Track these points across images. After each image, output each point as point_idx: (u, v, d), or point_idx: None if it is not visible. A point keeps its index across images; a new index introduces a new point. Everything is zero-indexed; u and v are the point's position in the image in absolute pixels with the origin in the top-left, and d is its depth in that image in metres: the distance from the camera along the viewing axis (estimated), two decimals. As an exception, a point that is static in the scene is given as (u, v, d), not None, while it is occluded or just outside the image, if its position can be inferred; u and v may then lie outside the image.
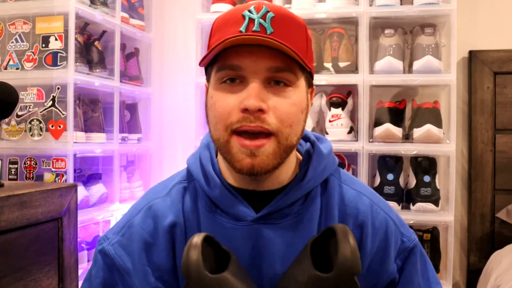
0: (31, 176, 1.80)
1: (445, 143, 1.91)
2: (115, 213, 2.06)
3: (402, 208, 1.95)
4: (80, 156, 1.94)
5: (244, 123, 0.72)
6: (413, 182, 1.96)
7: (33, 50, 1.82)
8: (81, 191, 1.85)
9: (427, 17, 1.98)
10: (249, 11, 0.74)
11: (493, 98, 2.12)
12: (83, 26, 1.95)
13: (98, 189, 1.98)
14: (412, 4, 1.96)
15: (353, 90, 2.03)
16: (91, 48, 1.98)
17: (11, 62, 1.84)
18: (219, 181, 0.81)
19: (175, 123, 2.41)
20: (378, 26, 2.03)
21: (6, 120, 1.80)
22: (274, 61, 0.73)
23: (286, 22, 0.75)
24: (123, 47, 2.20)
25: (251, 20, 0.73)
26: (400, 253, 0.85)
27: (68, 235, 1.33)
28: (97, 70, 1.97)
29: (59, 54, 1.79)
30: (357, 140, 1.97)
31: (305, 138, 0.88)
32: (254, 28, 0.73)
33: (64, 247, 1.31)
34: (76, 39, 1.83)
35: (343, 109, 1.99)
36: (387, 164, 1.99)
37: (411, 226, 1.97)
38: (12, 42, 1.84)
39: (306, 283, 0.70)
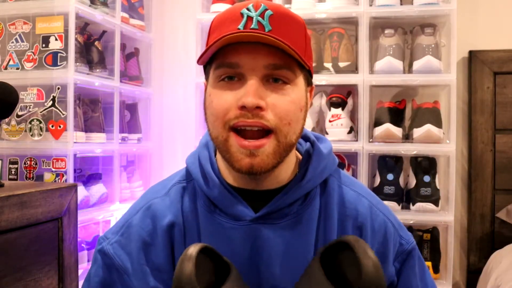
0: (31, 176, 1.80)
1: (445, 143, 1.91)
2: (115, 213, 2.06)
3: (402, 208, 1.95)
4: (80, 156, 1.94)
5: (241, 119, 0.72)
6: (413, 182, 1.96)
7: (33, 50, 1.82)
8: (81, 191, 1.85)
9: (427, 17, 1.98)
10: (248, 9, 0.74)
11: (493, 98, 2.12)
12: (83, 26, 1.95)
13: (98, 189, 1.98)
14: (412, 4, 1.96)
15: (353, 90, 2.03)
16: (91, 48, 1.98)
17: (11, 62, 1.84)
18: (217, 180, 0.80)
19: (175, 123, 2.41)
20: (378, 26, 2.03)
21: (6, 120, 1.80)
22: (272, 59, 0.73)
23: (284, 20, 0.74)
24: (123, 47, 2.20)
25: (249, 18, 0.73)
26: (398, 256, 0.85)
27: (68, 235, 1.33)
28: (97, 70, 1.97)
29: (59, 54, 1.79)
30: (357, 140, 1.97)
31: (305, 138, 0.88)
32: (252, 26, 0.73)
33: (64, 247, 1.31)
34: (76, 39, 1.83)
35: (343, 109, 1.99)
36: (387, 164, 1.99)
37: (411, 226, 1.99)
38: (12, 42, 1.84)
39: None
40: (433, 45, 1.92)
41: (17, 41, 1.84)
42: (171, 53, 2.44)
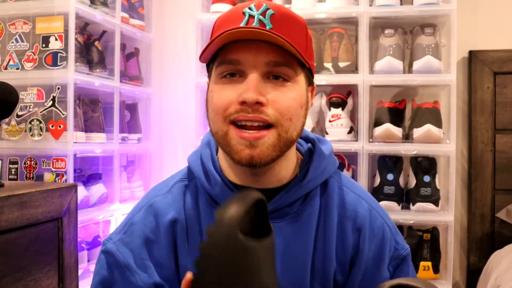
0: (31, 176, 1.80)
1: (445, 143, 1.91)
2: (115, 213, 2.06)
3: (402, 208, 1.95)
4: (80, 156, 1.94)
5: (242, 114, 0.73)
6: (413, 182, 1.96)
7: (33, 50, 1.82)
8: (81, 191, 1.85)
9: (427, 17, 1.98)
10: (249, 8, 0.75)
11: (493, 98, 2.12)
12: (83, 26, 1.95)
13: (98, 189, 1.98)
14: (412, 4, 1.96)
15: (353, 90, 2.03)
16: (91, 48, 1.98)
17: (11, 62, 1.84)
18: (219, 178, 0.81)
19: (175, 123, 2.41)
20: (378, 26, 2.03)
21: (6, 120, 1.80)
22: (273, 56, 0.74)
23: (285, 19, 0.75)
24: (123, 47, 2.20)
25: (251, 17, 0.74)
26: (393, 260, 0.86)
27: (68, 235, 1.33)
28: (97, 70, 1.97)
29: (59, 54, 1.79)
30: (357, 140, 1.97)
31: (306, 138, 0.89)
32: (253, 24, 0.74)
33: (64, 247, 1.31)
34: (76, 39, 1.83)
35: (343, 109, 1.99)
36: (387, 164, 1.99)
37: (411, 226, 1.99)
38: (12, 42, 1.84)
39: None
40: (433, 45, 1.91)
41: (17, 41, 1.84)
42: (171, 53, 2.44)
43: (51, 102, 1.79)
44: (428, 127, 1.88)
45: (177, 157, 2.39)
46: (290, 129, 0.75)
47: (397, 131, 1.94)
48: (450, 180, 1.90)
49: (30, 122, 1.79)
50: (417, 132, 1.90)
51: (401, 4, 1.99)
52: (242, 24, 0.74)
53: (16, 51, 1.84)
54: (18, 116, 1.81)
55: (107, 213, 2.02)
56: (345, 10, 1.99)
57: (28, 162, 1.80)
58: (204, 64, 0.85)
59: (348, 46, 2.02)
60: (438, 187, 1.94)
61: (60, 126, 1.77)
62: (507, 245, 1.94)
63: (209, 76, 0.82)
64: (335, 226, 0.82)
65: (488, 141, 2.12)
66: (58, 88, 1.79)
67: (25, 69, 1.82)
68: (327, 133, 2.01)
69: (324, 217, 0.82)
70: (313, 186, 0.82)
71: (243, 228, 0.61)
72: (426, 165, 1.95)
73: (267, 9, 0.75)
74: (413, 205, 1.91)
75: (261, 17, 0.74)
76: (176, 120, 2.41)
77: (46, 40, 1.81)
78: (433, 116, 1.91)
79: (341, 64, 2.00)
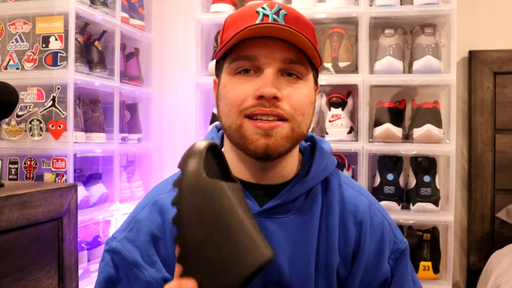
0: (31, 176, 1.80)
1: (445, 143, 1.91)
2: (115, 213, 2.06)
3: (402, 208, 1.95)
4: (80, 156, 1.94)
5: (258, 107, 0.75)
6: (413, 182, 1.96)
7: (33, 50, 1.82)
8: (81, 191, 1.85)
9: (427, 17, 1.98)
10: (263, 8, 0.77)
11: (493, 98, 2.12)
12: (83, 26, 1.95)
13: (98, 189, 1.98)
14: (412, 4, 1.96)
15: (353, 90, 2.03)
16: (91, 48, 1.98)
17: (11, 62, 1.84)
18: None
19: (175, 123, 2.41)
20: (378, 26, 2.03)
21: (6, 120, 1.80)
22: (287, 53, 0.77)
23: (297, 20, 0.78)
24: (123, 47, 2.20)
25: (265, 16, 0.77)
26: (392, 254, 0.88)
27: (68, 235, 1.33)
28: (97, 70, 1.97)
29: (59, 54, 1.79)
30: (357, 140, 1.97)
31: (306, 138, 0.91)
32: (269, 21, 0.76)
33: (64, 247, 1.31)
34: (76, 39, 1.83)
35: (343, 109, 1.99)
36: (387, 164, 1.99)
37: (411, 226, 1.99)
38: (12, 42, 1.84)
39: None
40: (433, 45, 1.92)
41: (17, 41, 1.84)
42: (171, 53, 2.44)
43: (51, 102, 1.79)
44: (428, 127, 1.88)
45: (177, 157, 2.36)
46: (302, 124, 0.78)
47: (397, 131, 1.94)
48: (450, 180, 1.90)
49: (30, 122, 1.79)
50: (417, 132, 1.90)
51: (401, 4, 1.99)
52: (257, 21, 0.76)
53: (16, 51, 1.84)
54: (18, 116, 1.81)
55: (107, 213, 2.02)
56: (345, 10, 1.99)
57: (28, 162, 1.80)
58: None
59: (348, 46, 2.02)
60: (438, 187, 1.94)
61: (60, 126, 1.78)
62: (507, 245, 1.94)
63: (218, 73, 0.83)
64: (337, 221, 0.84)
65: (488, 141, 2.12)
66: (58, 88, 1.79)
67: (25, 69, 1.82)
68: (327, 133, 2.01)
69: (326, 212, 0.84)
70: (316, 182, 0.84)
71: (207, 172, 0.63)
72: (426, 165, 1.95)
73: (280, 9, 0.77)
74: (413, 205, 1.91)
75: (275, 16, 0.76)
76: (176, 120, 2.41)
77: (46, 40, 1.81)
78: (433, 116, 1.91)
79: (341, 64, 2.00)
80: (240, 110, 0.76)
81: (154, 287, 0.80)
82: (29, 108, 1.80)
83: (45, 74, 1.79)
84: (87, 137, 1.92)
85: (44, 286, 1.24)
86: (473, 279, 2.04)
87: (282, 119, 0.76)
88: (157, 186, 0.91)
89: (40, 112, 1.79)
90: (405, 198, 1.99)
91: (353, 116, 2.05)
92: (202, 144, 0.66)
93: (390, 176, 1.97)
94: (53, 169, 1.77)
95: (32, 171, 1.80)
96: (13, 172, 1.81)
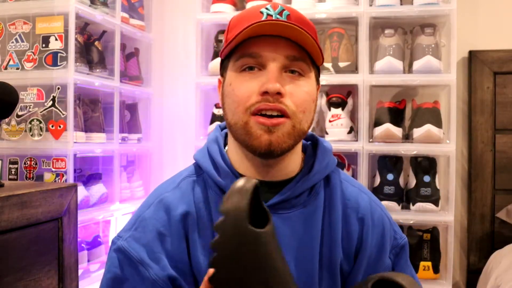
0: (31, 176, 1.80)
1: (445, 143, 1.91)
2: (115, 213, 2.06)
3: (402, 208, 1.95)
4: (80, 156, 1.94)
5: (263, 103, 0.77)
6: (413, 182, 1.96)
7: (33, 50, 1.82)
8: (81, 191, 1.85)
9: (427, 17, 1.98)
10: (267, 8, 0.80)
11: (493, 98, 2.12)
12: (83, 26, 1.95)
13: (98, 189, 1.98)
14: (412, 4, 1.96)
15: (353, 90, 2.03)
16: (91, 48, 1.98)
17: (11, 62, 1.84)
18: (229, 170, 0.84)
19: (175, 123, 2.41)
20: (378, 26, 2.03)
21: (6, 120, 1.80)
22: (291, 51, 0.79)
23: (300, 20, 0.81)
24: (123, 47, 2.20)
25: (269, 15, 0.79)
26: (393, 249, 0.90)
27: (68, 235, 1.33)
28: (97, 70, 1.97)
29: (59, 54, 1.79)
30: (357, 140, 1.97)
31: (307, 137, 0.93)
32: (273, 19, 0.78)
33: (64, 247, 1.31)
34: (76, 39, 1.83)
35: (343, 109, 1.99)
36: (387, 164, 1.99)
37: (411, 226, 1.99)
38: (12, 42, 1.84)
39: None
40: (433, 45, 1.92)
41: (17, 41, 1.84)
42: (171, 53, 2.44)
43: (51, 102, 1.79)
44: (428, 127, 1.88)
45: (177, 157, 2.39)
46: (302, 121, 0.80)
47: (397, 131, 1.94)
48: (450, 180, 1.90)
49: (30, 122, 1.79)
50: (417, 132, 1.90)
51: (401, 4, 1.99)
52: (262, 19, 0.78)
53: (16, 51, 1.84)
54: (18, 116, 1.81)
55: (107, 213, 2.02)
56: (345, 10, 1.99)
57: (28, 162, 1.80)
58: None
59: (348, 46, 2.02)
60: (438, 187, 1.94)
61: (60, 126, 1.78)
62: (507, 245, 1.94)
63: (223, 71, 0.85)
64: (340, 216, 0.86)
65: (488, 141, 2.12)
66: (58, 88, 1.79)
67: (25, 69, 1.82)
68: (327, 133, 2.01)
69: (329, 208, 0.86)
70: (318, 179, 0.86)
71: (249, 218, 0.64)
72: (426, 165, 1.95)
73: (283, 9, 0.80)
74: (413, 205, 1.91)
75: (278, 16, 0.79)
76: (176, 120, 2.41)
77: (46, 40, 1.81)
78: (433, 116, 1.91)
79: (341, 64, 2.00)
80: (246, 107, 0.78)
81: (159, 286, 0.80)
82: (29, 108, 1.80)
83: (45, 74, 1.79)
84: (87, 137, 1.92)
85: (44, 286, 1.24)
86: (473, 279, 2.04)
87: (284, 115, 0.78)
88: (161, 185, 0.92)
89: (40, 112, 1.79)
90: (405, 198, 1.99)
91: (353, 116, 2.05)
92: (247, 185, 0.66)
93: (390, 176, 1.97)
94: (53, 169, 1.77)
95: (32, 171, 1.80)
96: (13, 172, 1.81)
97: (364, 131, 1.93)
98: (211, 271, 0.66)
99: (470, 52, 2.15)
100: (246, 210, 0.63)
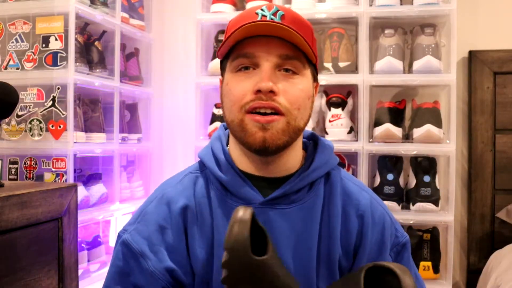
0: (31, 176, 1.80)
1: (445, 143, 1.91)
2: (115, 213, 2.06)
3: (402, 208, 1.95)
4: (80, 156, 1.94)
5: (257, 101, 0.80)
6: (413, 182, 1.96)
7: (33, 50, 1.82)
8: (81, 191, 1.85)
9: (427, 17, 1.98)
10: (262, 9, 0.83)
11: (493, 98, 2.12)
12: (83, 26, 1.95)
13: (98, 189, 1.98)
14: (412, 4, 1.96)
15: (353, 90, 2.03)
16: (91, 48, 1.98)
17: (11, 62, 1.84)
18: (230, 166, 0.87)
19: (175, 123, 2.41)
20: (378, 26, 2.03)
21: (6, 120, 1.80)
22: (284, 50, 0.81)
23: (295, 20, 0.83)
24: (123, 47, 2.20)
25: (264, 16, 0.82)
26: (394, 247, 0.91)
27: (68, 235, 1.33)
28: (97, 70, 1.97)
29: (59, 54, 1.79)
30: (357, 140, 1.97)
31: (309, 137, 0.96)
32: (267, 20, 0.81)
33: (64, 247, 1.31)
34: (76, 39, 1.83)
35: (343, 109, 1.99)
36: (387, 164, 1.99)
37: (411, 226, 1.99)
38: (12, 42, 1.84)
39: None
40: (433, 45, 1.91)
41: (17, 41, 1.84)
42: (171, 53, 2.43)
43: (51, 102, 1.79)
44: (428, 127, 1.88)
45: (177, 157, 2.39)
46: (298, 118, 0.82)
47: (397, 131, 1.94)
48: (450, 180, 1.90)
49: (30, 122, 1.79)
50: (417, 132, 1.90)
51: (401, 4, 1.99)
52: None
53: (16, 51, 1.84)
54: (18, 116, 1.81)
55: (107, 213, 2.02)
56: (345, 10, 1.99)
57: (28, 162, 1.80)
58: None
59: (348, 46, 2.02)
60: (438, 187, 1.94)
61: (60, 126, 1.78)
62: (507, 245, 1.94)
63: (223, 72, 0.89)
64: (339, 212, 0.87)
65: (488, 141, 2.12)
66: (58, 88, 1.79)
67: (25, 69, 1.82)
68: (327, 133, 2.01)
69: (328, 204, 0.88)
70: (318, 176, 0.88)
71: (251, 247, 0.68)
72: (426, 165, 1.95)
73: (278, 10, 0.82)
74: (413, 205, 1.91)
75: (272, 16, 0.81)
76: (176, 120, 2.41)
77: (46, 40, 1.81)
78: (433, 116, 1.91)
79: (341, 64, 2.00)
80: (241, 105, 0.81)
81: (157, 277, 0.83)
82: (29, 108, 1.80)
83: (45, 74, 1.79)
84: (87, 137, 1.92)
85: (44, 286, 1.24)
86: (473, 279, 2.04)
87: (278, 113, 0.80)
88: (166, 181, 0.96)
89: (40, 112, 1.79)
90: (405, 198, 1.99)
91: (353, 116, 2.05)
92: (245, 216, 0.70)
93: (390, 176, 1.97)
94: (53, 169, 1.77)
95: (32, 171, 1.80)
96: (13, 172, 1.81)
97: (364, 131, 1.93)
98: None
99: (470, 52, 2.15)
100: (248, 242, 0.68)
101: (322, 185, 0.89)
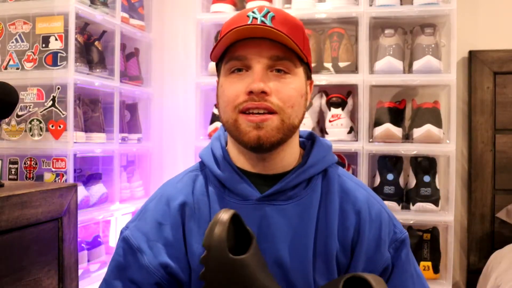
0: (31, 176, 1.80)
1: (445, 143, 1.91)
2: (115, 213, 2.06)
3: (402, 208, 1.95)
4: (80, 156, 1.94)
5: (249, 102, 0.82)
6: (413, 182, 1.96)
7: (33, 50, 1.82)
8: (81, 191, 1.85)
9: (427, 17, 1.98)
10: (253, 12, 0.85)
11: (493, 98, 2.12)
12: (83, 26, 1.95)
13: (98, 189, 1.98)
14: (412, 4, 1.96)
15: (353, 90, 2.03)
16: (91, 48, 1.98)
17: (11, 62, 1.84)
18: (228, 164, 0.90)
19: (175, 123, 2.41)
20: (378, 26, 2.03)
21: (6, 120, 1.80)
22: (275, 51, 0.83)
23: (285, 21, 0.85)
24: (123, 47, 2.20)
25: (254, 19, 0.84)
26: (392, 243, 0.91)
27: (68, 235, 1.33)
28: (97, 70, 1.97)
29: (59, 54, 1.79)
30: (357, 140, 1.97)
31: (308, 136, 0.98)
32: (257, 23, 0.84)
33: (64, 247, 1.31)
34: (76, 39, 1.83)
35: (343, 109, 1.99)
36: (387, 164, 1.99)
37: (411, 226, 1.99)
38: (12, 42, 1.84)
39: None
40: (433, 45, 1.91)
41: (17, 41, 1.84)
42: (171, 53, 2.43)
43: (51, 102, 1.79)
44: (428, 127, 1.88)
45: (177, 157, 2.39)
46: (292, 116, 0.84)
47: (397, 131, 1.94)
48: (450, 180, 1.90)
49: (30, 122, 1.79)
50: (417, 132, 1.90)
51: (401, 4, 1.99)
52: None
53: (16, 51, 1.84)
54: (18, 116, 1.81)
55: (107, 213, 2.02)
56: (345, 10, 1.99)
57: (28, 162, 1.80)
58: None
59: (348, 46, 2.02)
60: (438, 187, 1.94)
61: (60, 126, 1.78)
62: (507, 245, 1.94)
63: (219, 74, 0.91)
64: (337, 208, 0.89)
65: (488, 141, 2.12)
66: (58, 88, 1.79)
67: (25, 69, 1.82)
68: (327, 133, 2.01)
69: (325, 200, 0.89)
70: (315, 172, 0.90)
71: (229, 245, 0.71)
72: (426, 165, 1.95)
73: (268, 12, 0.84)
74: (413, 205, 1.91)
75: (263, 18, 0.83)
76: (176, 120, 2.41)
77: (46, 40, 1.81)
78: (433, 116, 1.91)
79: (341, 64, 2.00)
80: (234, 106, 0.84)
81: (151, 272, 0.86)
82: (29, 108, 1.80)
83: (45, 74, 1.79)
84: (87, 137, 1.92)
85: (44, 286, 1.24)
86: (473, 279, 2.04)
87: (271, 112, 0.82)
88: (168, 180, 0.98)
89: (40, 112, 1.79)
90: (405, 198, 1.99)
91: (353, 116, 2.05)
92: (225, 217, 0.74)
93: (390, 176, 1.97)
94: (53, 169, 1.77)
95: (32, 171, 1.80)
96: (13, 172, 1.81)
97: (364, 131, 1.93)
98: None
99: (470, 52, 2.15)
100: (225, 241, 0.70)
101: (319, 181, 0.90)
